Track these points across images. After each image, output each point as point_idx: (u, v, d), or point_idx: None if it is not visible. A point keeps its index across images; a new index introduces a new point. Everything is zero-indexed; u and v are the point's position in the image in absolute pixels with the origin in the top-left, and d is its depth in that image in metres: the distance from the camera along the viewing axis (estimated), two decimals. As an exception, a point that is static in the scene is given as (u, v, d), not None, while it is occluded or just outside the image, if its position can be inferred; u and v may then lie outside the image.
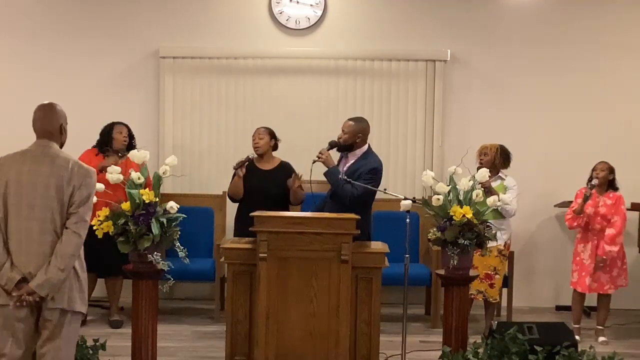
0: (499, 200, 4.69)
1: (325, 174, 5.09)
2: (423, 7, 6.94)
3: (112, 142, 5.98)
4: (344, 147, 5.14)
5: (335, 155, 5.20)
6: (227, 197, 5.99)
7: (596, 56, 6.93)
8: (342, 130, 5.14)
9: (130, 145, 5.95)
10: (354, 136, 5.10)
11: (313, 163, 5.07)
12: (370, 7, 6.98)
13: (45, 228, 3.42)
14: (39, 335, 3.46)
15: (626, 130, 6.90)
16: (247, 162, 5.59)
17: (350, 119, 5.19)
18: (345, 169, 5.09)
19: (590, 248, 5.83)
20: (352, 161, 5.12)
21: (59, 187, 3.44)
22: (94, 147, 6.04)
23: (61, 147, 3.59)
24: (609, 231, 5.76)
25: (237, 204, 5.74)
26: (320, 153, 5.09)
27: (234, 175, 5.63)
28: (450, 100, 6.96)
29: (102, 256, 5.60)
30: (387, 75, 6.94)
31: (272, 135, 5.71)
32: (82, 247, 3.53)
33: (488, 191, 5.27)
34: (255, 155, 5.64)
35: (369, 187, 4.93)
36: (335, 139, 5.15)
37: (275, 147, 5.75)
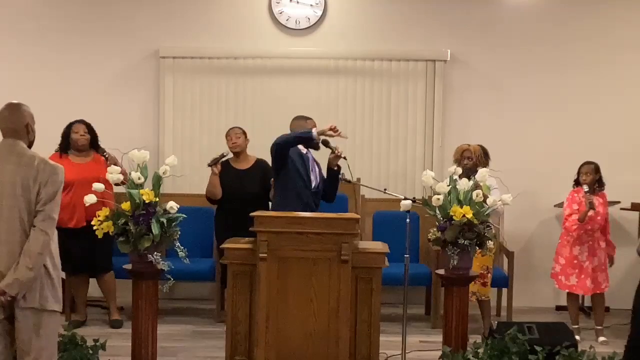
0: (499, 200, 4.70)
1: (340, 172, 5.10)
2: (423, 7, 6.94)
3: (71, 143, 5.83)
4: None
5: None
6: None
7: (596, 56, 6.93)
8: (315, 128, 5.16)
9: (94, 142, 5.86)
10: None
11: (339, 157, 5.05)
12: (370, 7, 6.98)
13: (13, 227, 3.40)
14: (16, 335, 3.44)
15: (627, 129, 6.90)
16: (221, 159, 5.61)
17: (310, 118, 5.25)
18: (315, 164, 5.16)
19: (587, 249, 5.83)
20: (311, 158, 5.16)
21: (26, 185, 3.41)
22: (56, 151, 5.84)
23: (29, 146, 3.57)
24: (606, 238, 5.90)
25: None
26: (338, 150, 5.04)
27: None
28: (450, 100, 6.96)
29: (84, 258, 5.61)
30: (387, 75, 6.94)
31: (245, 134, 5.77)
32: (57, 245, 3.52)
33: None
34: (228, 152, 5.66)
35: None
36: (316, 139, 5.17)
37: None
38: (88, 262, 5.73)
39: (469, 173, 5.45)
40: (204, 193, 6.66)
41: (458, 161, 5.81)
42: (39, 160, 3.47)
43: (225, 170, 5.65)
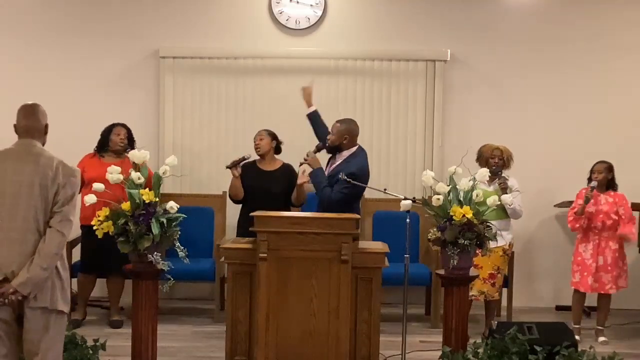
0: (499, 201, 4.71)
1: (310, 175, 5.27)
2: (423, 7, 6.94)
3: (109, 144, 6.00)
4: (332, 148, 5.35)
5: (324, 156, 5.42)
6: (227, 197, 6.02)
7: (596, 55, 6.93)
8: (330, 132, 5.38)
9: (131, 147, 5.94)
10: (341, 137, 5.31)
11: (300, 165, 5.33)
12: (370, 7, 6.98)
13: (28, 227, 3.41)
14: (22, 335, 3.45)
15: (626, 129, 6.90)
16: (241, 162, 5.62)
17: (337, 121, 5.42)
18: (331, 169, 5.29)
19: (591, 247, 5.82)
20: (338, 162, 5.32)
21: (44, 185, 3.43)
22: (95, 150, 6.06)
23: (42, 146, 3.59)
24: (627, 223, 5.76)
25: (237, 205, 5.76)
26: (306, 155, 5.29)
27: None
28: (450, 100, 6.96)
29: (103, 256, 5.62)
30: (387, 75, 6.93)
31: (273, 137, 5.77)
32: (65, 246, 3.52)
33: (504, 191, 5.43)
34: (250, 155, 5.67)
35: (345, 192, 5.11)
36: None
37: (277, 150, 5.80)
38: (102, 262, 5.75)
39: (494, 173, 5.51)
40: (204, 193, 6.70)
41: (486, 160, 5.81)
42: (57, 162, 3.49)
43: (251, 171, 5.67)
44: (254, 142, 5.74)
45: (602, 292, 5.84)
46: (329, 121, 5.68)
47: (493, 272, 5.79)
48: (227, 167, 5.63)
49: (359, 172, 5.23)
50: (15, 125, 3.58)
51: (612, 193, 5.84)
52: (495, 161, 5.82)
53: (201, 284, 6.71)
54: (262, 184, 5.57)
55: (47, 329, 3.45)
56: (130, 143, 6.01)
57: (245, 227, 5.40)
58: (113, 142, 5.98)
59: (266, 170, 5.68)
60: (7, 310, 3.40)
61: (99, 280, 6.14)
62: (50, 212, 3.44)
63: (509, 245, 5.90)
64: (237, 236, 5.54)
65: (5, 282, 3.36)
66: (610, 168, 5.86)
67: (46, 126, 3.60)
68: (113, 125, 6.06)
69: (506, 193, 5.39)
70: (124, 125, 6.07)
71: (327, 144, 5.36)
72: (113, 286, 6.03)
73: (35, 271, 3.36)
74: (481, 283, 5.73)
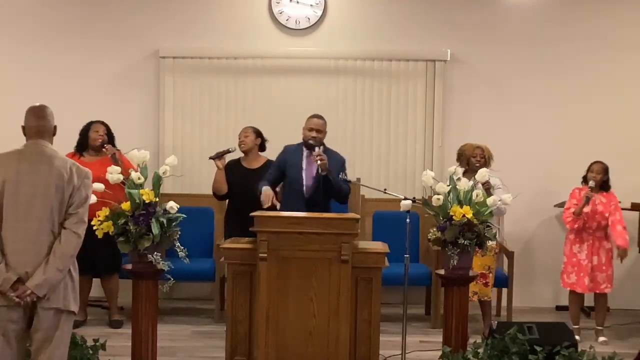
0: (499, 200, 4.71)
1: (330, 176, 5.11)
2: (423, 7, 6.94)
3: (89, 141, 5.94)
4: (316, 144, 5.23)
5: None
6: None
7: (596, 56, 6.93)
8: (317, 130, 5.20)
9: (111, 144, 5.90)
10: (325, 133, 5.28)
11: (317, 162, 5.10)
12: (370, 7, 6.99)
13: (43, 228, 3.42)
14: (29, 335, 3.46)
15: (626, 130, 6.90)
16: (225, 153, 5.62)
17: (318, 117, 5.28)
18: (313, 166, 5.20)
19: (586, 248, 5.82)
20: (306, 162, 5.22)
21: (59, 187, 3.45)
22: (75, 149, 5.98)
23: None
24: (619, 228, 5.69)
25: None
26: (319, 155, 5.10)
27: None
28: (450, 100, 6.96)
29: (95, 257, 5.61)
30: (387, 75, 6.94)
31: (257, 134, 5.79)
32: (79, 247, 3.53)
33: (488, 192, 5.36)
34: (235, 148, 5.67)
35: (352, 182, 5.24)
36: (309, 140, 5.20)
37: (262, 147, 5.80)
38: (92, 262, 5.74)
39: (475, 172, 5.50)
40: (204, 193, 6.69)
41: (467, 159, 5.82)
42: (70, 163, 3.52)
43: (235, 168, 5.67)
44: (239, 138, 5.75)
45: (598, 291, 5.84)
46: (331, 120, 5.64)
47: (484, 272, 5.79)
48: (211, 158, 5.64)
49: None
50: (23, 127, 3.59)
51: (604, 193, 5.84)
52: (477, 159, 5.82)
53: (201, 284, 6.71)
54: (246, 182, 5.56)
55: (57, 328, 3.46)
56: (110, 140, 5.94)
57: (232, 226, 5.43)
58: (92, 139, 5.91)
59: (250, 168, 5.69)
60: (19, 311, 3.41)
61: (98, 280, 6.13)
62: (64, 214, 3.46)
63: (497, 244, 5.91)
64: (225, 235, 5.57)
65: (19, 283, 3.36)
66: (607, 170, 5.85)
67: (55, 127, 3.61)
68: (91, 123, 5.99)
69: (490, 195, 5.35)
70: (102, 123, 6.00)
71: (318, 143, 5.24)
72: (108, 286, 6.01)
73: (52, 272, 3.37)
74: (473, 283, 5.71)
